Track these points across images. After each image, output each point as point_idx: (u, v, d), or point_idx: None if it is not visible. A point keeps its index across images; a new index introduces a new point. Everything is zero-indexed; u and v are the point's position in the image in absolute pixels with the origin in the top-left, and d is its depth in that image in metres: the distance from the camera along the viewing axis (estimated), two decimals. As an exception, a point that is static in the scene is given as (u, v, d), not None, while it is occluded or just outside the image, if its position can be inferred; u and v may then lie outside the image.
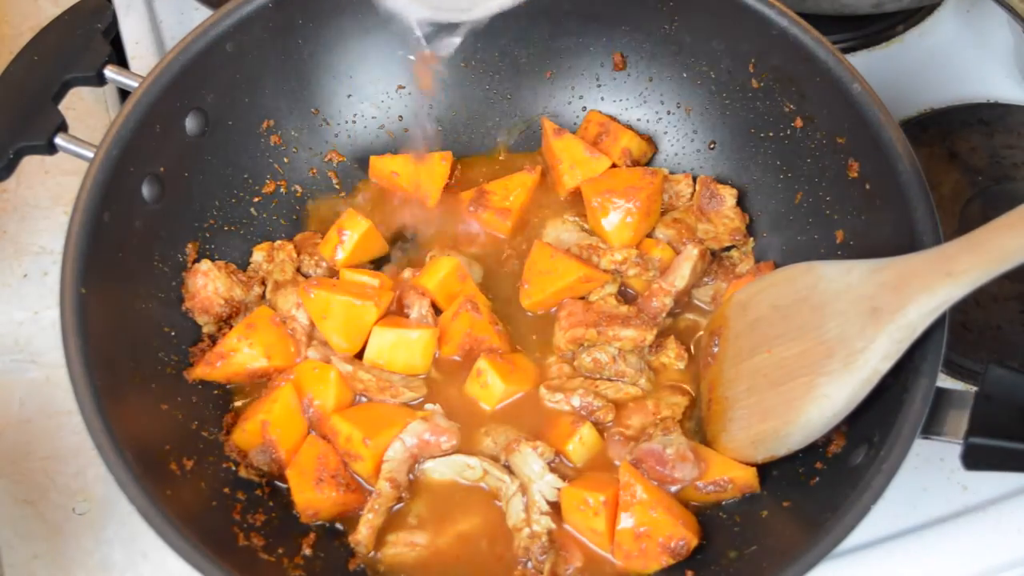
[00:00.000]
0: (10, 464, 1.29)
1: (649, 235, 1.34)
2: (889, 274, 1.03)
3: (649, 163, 1.41)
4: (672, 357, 1.26)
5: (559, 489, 1.16)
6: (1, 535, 1.25)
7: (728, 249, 1.34)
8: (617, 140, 1.38)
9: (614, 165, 1.37)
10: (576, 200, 1.37)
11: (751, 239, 1.34)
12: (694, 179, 1.37)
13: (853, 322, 1.04)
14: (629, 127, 1.40)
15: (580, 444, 1.19)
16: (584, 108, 1.43)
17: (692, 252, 1.29)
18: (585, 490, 1.14)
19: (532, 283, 1.29)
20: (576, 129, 1.42)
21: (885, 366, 1.02)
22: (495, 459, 1.20)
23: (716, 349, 1.21)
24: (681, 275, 1.28)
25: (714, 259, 1.33)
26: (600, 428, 1.21)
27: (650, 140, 1.41)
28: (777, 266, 1.29)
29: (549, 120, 1.40)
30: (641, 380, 1.25)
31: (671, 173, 1.39)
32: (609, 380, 1.25)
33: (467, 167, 1.41)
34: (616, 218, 1.31)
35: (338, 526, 1.18)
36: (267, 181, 1.36)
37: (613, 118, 1.40)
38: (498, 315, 1.29)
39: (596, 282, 1.29)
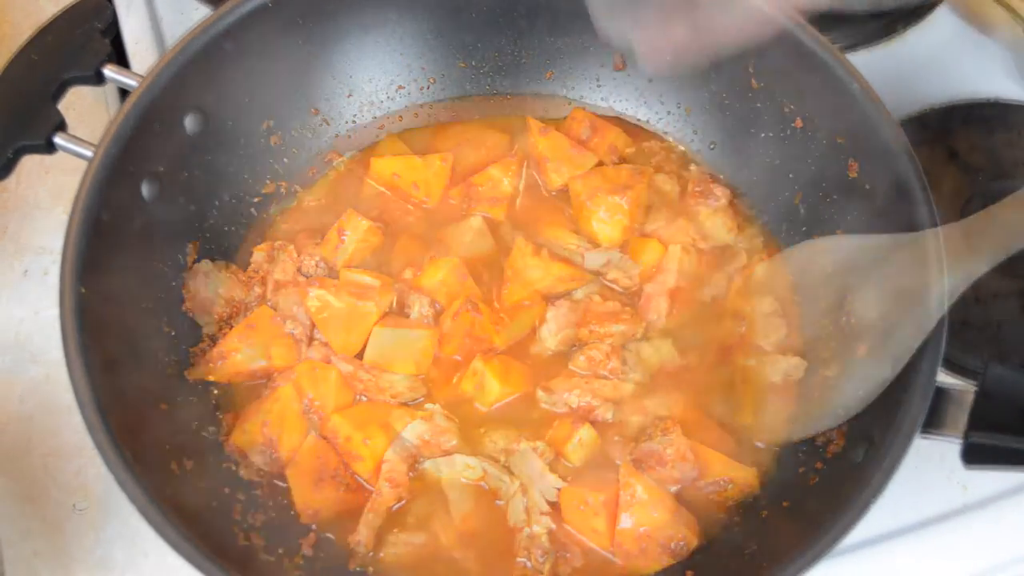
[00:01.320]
0: (10, 462, 1.29)
1: (644, 233, 1.33)
2: (912, 251, 1.03)
3: (636, 156, 1.41)
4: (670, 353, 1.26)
5: (559, 489, 1.16)
6: (1, 532, 1.25)
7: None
8: (604, 137, 1.37)
9: (601, 162, 1.36)
10: (564, 197, 1.36)
11: (750, 238, 1.33)
12: (680, 177, 1.37)
13: (879, 302, 1.04)
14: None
15: (579, 445, 1.19)
16: (585, 108, 1.43)
17: (675, 250, 1.29)
18: (585, 490, 1.14)
19: (512, 281, 1.29)
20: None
21: (914, 344, 1.03)
22: (495, 459, 1.20)
23: (743, 330, 1.21)
24: (670, 271, 1.28)
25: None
26: (599, 428, 1.21)
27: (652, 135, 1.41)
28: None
29: (534, 119, 1.39)
30: (637, 376, 1.25)
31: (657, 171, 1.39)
32: (605, 378, 1.25)
33: (466, 166, 1.41)
34: (605, 216, 1.31)
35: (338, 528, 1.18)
36: (267, 181, 1.36)
37: (599, 115, 1.40)
38: (497, 314, 1.28)
39: (577, 281, 1.29)
